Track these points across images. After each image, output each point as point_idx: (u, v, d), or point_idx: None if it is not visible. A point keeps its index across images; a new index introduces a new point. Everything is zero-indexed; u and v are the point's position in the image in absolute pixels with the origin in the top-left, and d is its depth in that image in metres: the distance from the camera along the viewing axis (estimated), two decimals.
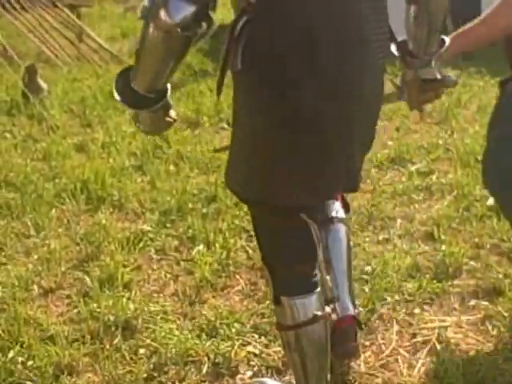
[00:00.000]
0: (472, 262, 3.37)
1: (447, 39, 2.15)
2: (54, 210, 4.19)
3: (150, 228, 3.90)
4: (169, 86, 1.90)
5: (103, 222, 3.98)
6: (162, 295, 3.24)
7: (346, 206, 2.72)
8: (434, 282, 3.18)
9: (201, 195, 4.33)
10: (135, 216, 4.16)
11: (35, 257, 3.63)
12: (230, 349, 2.75)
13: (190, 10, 1.64)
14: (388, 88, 2.10)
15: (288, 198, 1.87)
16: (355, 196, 3.82)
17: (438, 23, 2.08)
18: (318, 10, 1.70)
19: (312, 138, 1.78)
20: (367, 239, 3.69)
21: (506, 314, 2.89)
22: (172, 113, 1.99)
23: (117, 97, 1.87)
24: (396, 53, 2.10)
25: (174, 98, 5.20)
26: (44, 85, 7.04)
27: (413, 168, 4.74)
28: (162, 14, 1.63)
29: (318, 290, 2.07)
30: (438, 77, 2.15)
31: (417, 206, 4.14)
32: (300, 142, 1.79)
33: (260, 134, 1.81)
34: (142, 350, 2.76)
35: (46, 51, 9.17)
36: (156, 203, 4.23)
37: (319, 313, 2.05)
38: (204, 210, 4.10)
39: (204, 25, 1.71)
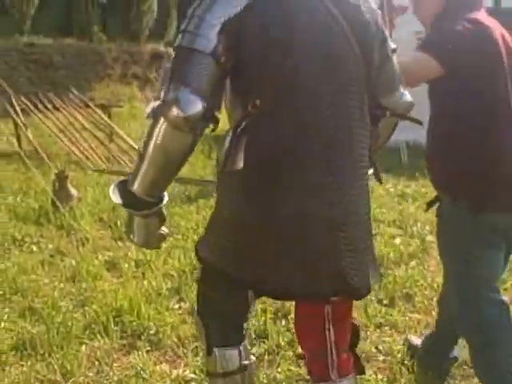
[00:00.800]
0: None
1: (376, 164, 2.24)
2: (83, 347, 3.69)
3: (193, 375, 3.38)
4: (166, 194, 1.98)
5: (139, 364, 3.48)
6: None
7: (359, 367, 2.26)
8: None
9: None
10: (175, 356, 3.66)
11: None
12: None
13: (200, 105, 1.76)
14: None
15: (245, 274, 1.95)
16: None
17: (382, 144, 2.34)
18: (312, 109, 1.86)
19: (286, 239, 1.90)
20: None
21: None
22: (164, 228, 2.06)
23: (113, 197, 1.95)
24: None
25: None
26: (74, 191, 6.73)
27: None
28: (175, 108, 1.75)
29: (246, 341, 2.23)
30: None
31: None
32: (278, 236, 1.89)
33: (238, 220, 1.92)
34: None
35: (76, 153, 8.90)
36: (198, 340, 3.72)
37: (246, 362, 2.21)
38: (254, 350, 3.55)
39: (210, 124, 1.84)
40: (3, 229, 5.80)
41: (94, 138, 9.65)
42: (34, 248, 5.57)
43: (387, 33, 2.14)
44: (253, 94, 1.86)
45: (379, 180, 2.22)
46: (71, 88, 11.25)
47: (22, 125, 9.66)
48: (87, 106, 10.54)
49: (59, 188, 6.59)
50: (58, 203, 6.27)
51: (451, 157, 2.62)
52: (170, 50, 18.33)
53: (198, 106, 1.77)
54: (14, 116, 9.77)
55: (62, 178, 6.62)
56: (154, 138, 1.83)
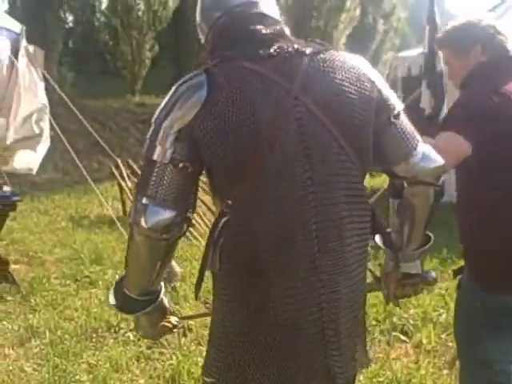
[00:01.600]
0: None
1: (432, 236, 2.15)
2: None
3: None
4: (162, 287, 1.99)
5: None
6: None
7: None
8: None
9: None
10: None
11: None
12: None
13: (167, 215, 1.79)
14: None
15: None
16: None
17: (422, 219, 2.08)
18: (289, 208, 1.77)
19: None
20: None
21: None
22: (173, 318, 2.05)
23: (111, 302, 1.98)
24: (380, 244, 2.09)
25: None
26: (178, 268, 6.02)
27: None
28: (141, 220, 1.79)
29: None
30: (419, 272, 2.11)
31: None
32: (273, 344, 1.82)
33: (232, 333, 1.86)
34: None
35: None
36: None
37: None
38: None
39: (184, 226, 1.85)
40: (98, 312, 5.13)
41: (202, 204, 9.02)
42: (131, 336, 4.87)
43: (389, 95, 1.94)
44: (224, 194, 1.81)
45: (393, 250, 2.11)
46: None
47: (127, 190, 9.20)
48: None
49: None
50: None
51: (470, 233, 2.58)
52: None
53: (163, 216, 1.78)
54: (120, 180, 9.34)
55: None
56: (133, 244, 1.86)
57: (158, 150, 1.79)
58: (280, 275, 1.80)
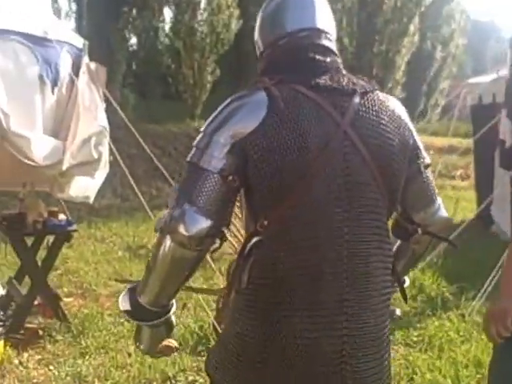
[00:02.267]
0: None
1: (407, 280, 2.32)
2: None
3: None
4: (174, 303, 2.00)
5: None
6: None
7: None
8: None
9: None
10: None
11: None
12: None
13: (205, 224, 1.77)
14: None
15: None
16: None
17: (413, 263, 2.33)
18: (323, 238, 1.81)
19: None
20: None
21: None
22: (173, 341, 2.28)
23: (122, 307, 1.97)
24: None
25: None
26: None
27: None
28: (180, 226, 1.76)
29: None
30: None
31: None
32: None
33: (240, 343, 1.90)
34: None
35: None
36: None
37: None
38: None
39: (217, 240, 1.85)
40: (153, 361, 4.59)
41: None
42: None
43: (421, 146, 2.05)
44: (261, 214, 1.83)
45: (405, 299, 2.16)
46: None
47: None
48: None
49: (223, 305, 5.32)
50: (219, 329, 5.00)
51: None
52: None
53: (202, 225, 1.77)
54: None
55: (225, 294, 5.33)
56: (161, 252, 1.82)
57: (208, 158, 1.80)
58: (306, 302, 1.81)
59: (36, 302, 5.50)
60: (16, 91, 4.46)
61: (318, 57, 1.92)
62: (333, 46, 2.00)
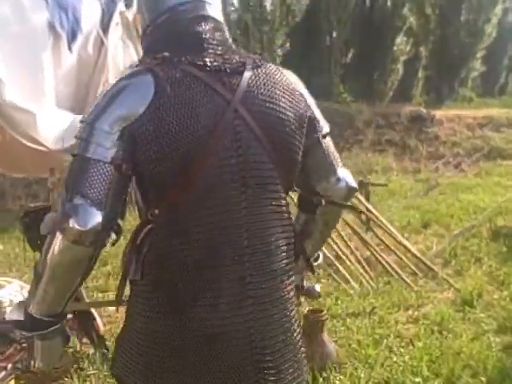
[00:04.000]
0: None
1: (321, 254, 2.31)
2: None
3: None
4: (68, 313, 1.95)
5: None
6: None
7: None
8: None
9: None
10: None
11: None
12: None
13: (100, 217, 1.69)
14: None
15: None
16: None
17: (326, 236, 2.28)
18: (220, 222, 1.78)
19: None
20: None
21: None
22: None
23: (9, 316, 1.97)
24: None
25: None
26: None
27: None
28: (73, 221, 1.68)
29: None
30: (304, 285, 2.22)
31: None
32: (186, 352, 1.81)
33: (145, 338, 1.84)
34: None
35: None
36: None
37: None
38: None
39: (113, 234, 1.80)
40: None
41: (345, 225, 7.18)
42: None
43: (319, 116, 2.03)
44: (153, 201, 1.80)
45: (313, 272, 2.17)
46: None
47: None
48: None
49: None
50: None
51: None
52: (432, 113, 16.23)
53: (97, 218, 1.69)
54: None
55: None
56: (52, 253, 1.74)
57: (95, 148, 1.72)
58: (208, 289, 1.77)
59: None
60: (15, 47, 3.14)
61: (202, 31, 1.87)
62: (218, 15, 1.95)
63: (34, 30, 3.24)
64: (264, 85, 1.86)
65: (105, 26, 3.71)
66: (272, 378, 1.83)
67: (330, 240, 6.59)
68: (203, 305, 1.76)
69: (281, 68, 1.97)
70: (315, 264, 2.19)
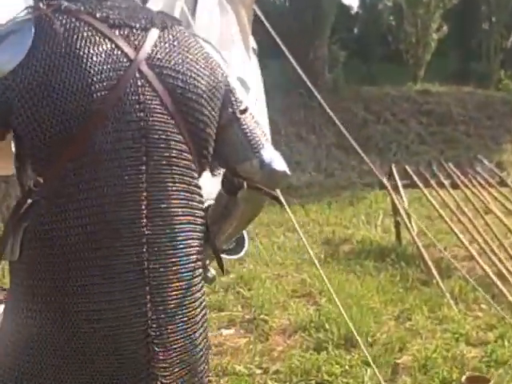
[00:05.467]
0: None
1: (247, 239, 2.25)
2: None
3: None
4: None
5: None
6: None
7: None
8: None
9: None
10: None
11: None
12: None
13: None
14: None
15: None
16: None
17: (245, 224, 2.05)
18: (115, 197, 1.60)
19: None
20: None
21: None
22: None
23: None
24: None
25: None
26: None
27: None
28: None
29: None
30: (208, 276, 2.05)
31: None
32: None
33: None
34: None
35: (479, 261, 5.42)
36: None
37: None
38: None
39: None
40: None
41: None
42: None
43: (236, 89, 1.87)
44: (36, 170, 1.60)
45: (221, 269, 1.94)
46: (479, 158, 8.07)
47: (402, 209, 6.47)
48: (502, 182, 7.01)
49: None
50: None
51: None
52: None
53: None
54: (393, 194, 6.64)
55: None
56: None
57: None
58: (99, 275, 1.59)
59: None
60: None
61: None
62: None
63: None
64: (174, 46, 1.71)
65: None
66: (165, 375, 1.66)
67: (489, 251, 5.56)
68: (94, 293, 1.59)
69: (195, 34, 1.86)
70: (242, 253, 2.12)
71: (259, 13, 3.41)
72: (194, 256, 1.74)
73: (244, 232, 2.12)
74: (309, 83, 4.46)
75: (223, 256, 2.00)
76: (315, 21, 13.72)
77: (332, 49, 15.22)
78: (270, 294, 5.12)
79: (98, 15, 1.63)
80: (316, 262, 4.31)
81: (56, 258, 1.59)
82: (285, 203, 3.62)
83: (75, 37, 1.57)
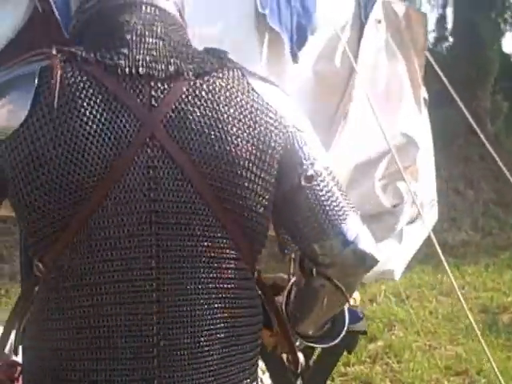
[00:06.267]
0: None
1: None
2: None
3: None
4: None
5: None
6: None
7: None
8: None
9: None
10: None
11: None
12: None
13: None
14: None
15: None
16: None
17: (322, 318, 1.69)
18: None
19: None
20: None
21: None
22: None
23: None
24: None
25: None
26: None
27: None
28: None
29: None
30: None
31: None
32: None
33: None
34: None
35: None
36: None
37: None
38: None
39: None
40: None
41: None
42: None
43: (306, 145, 1.48)
44: (35, 255, 1.40)
45: (296, 366, 1.69)
46: None
47: None
48: None
49: None
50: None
51: None
52: None
53: None
54: None
55: None
56: None
57: None
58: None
59: None
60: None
61: (129, 20, 1.42)
62: (169, 6, 1.49)
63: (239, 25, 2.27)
64: (206, 101, 1.38)
65: (359, 24, 2.58)
66: None
67: None
68: None
69: (256, 75, 1.48)
70: (336, 340, 1.72)
71: (431, 59, 3.01)
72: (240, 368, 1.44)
73: (345, 309, 1.74)
74: (479, 132, 4.03)
75: (312, 344, 1.74)
76: (479, 70, 13.01)
77: (495, 99, 14.40)
78: (421, 369, 4.69)
79: (108, 62, 1.37)
80: (479, 333, 3.78)
81: (46, 362, 1.38)
82: (445, 264, 3.29)
83: (74, 95, 1.33)
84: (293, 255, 1.77)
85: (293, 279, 1.71)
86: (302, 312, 1.65)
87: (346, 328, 1.75)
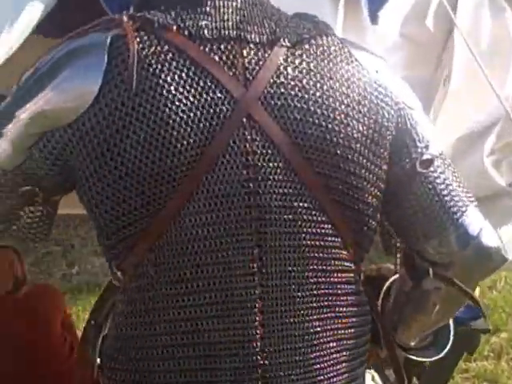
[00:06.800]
0: None
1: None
2: None
3: None
4: None
5: None
6: None
7: None
8: None
9: None
10: None
11: None
12: None
13: None
14: None
15: None
16: None
17: (435, 324, 1.53)
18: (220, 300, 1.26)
19: None
20: None
21: None
22: None
23: None
24: None
25: None
26: None
27: None
28: None
29: None
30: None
31: None
32: None
33: None
34: None
35: None
36: None
37: None
38: None
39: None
40: None
41: None
42: None
43: (420, 127, 1.34)
44: (113, 258, 1.29)
45: (401, 381, 1.47)
46: None
47: None
48: None
49: None
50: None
51: None
52: None
53: None
54: None
55: None
56: None
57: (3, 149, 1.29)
58: None
59: None
60: None
61: None
62: None
63: None
64: (308, 73, 1.21)
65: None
66: None
67: None
68: None
69: (356, 44, 1.33)
70: (441, 354, 1.54)
71: None
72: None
73: (450, 321, 1.59)
74: None
75: (412, 357, 1.56)
76: None
77: None
78: None
79: (191, 29, 1.21)
80: None
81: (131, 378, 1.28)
82: None
83: (155, 68, 1.18)
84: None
85: (392, 278, 1.55)
86: (405, 319, 1.50)
87: (451, 338, 1.59)
